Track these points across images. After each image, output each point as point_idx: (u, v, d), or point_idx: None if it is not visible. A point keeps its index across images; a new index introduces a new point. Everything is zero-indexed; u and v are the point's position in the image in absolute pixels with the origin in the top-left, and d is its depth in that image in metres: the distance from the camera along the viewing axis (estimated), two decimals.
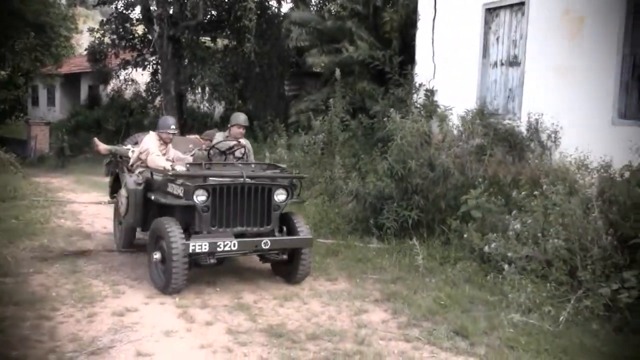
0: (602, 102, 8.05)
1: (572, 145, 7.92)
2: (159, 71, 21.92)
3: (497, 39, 10.05)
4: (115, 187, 8.64)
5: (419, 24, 11.70)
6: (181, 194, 6.48)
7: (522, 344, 5.12)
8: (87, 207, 12.08)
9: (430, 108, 10.77)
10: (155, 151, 7.59)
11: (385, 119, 9.74)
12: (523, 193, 7.34)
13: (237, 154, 7.66)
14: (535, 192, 7.09)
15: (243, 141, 7.86)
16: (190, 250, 6.09)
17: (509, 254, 6.74)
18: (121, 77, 24.62)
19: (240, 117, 7.89)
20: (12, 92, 27.50)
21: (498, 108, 9.90)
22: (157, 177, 7.16)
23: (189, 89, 21.95)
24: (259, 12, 18.27)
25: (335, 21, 15.22)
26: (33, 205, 11.60)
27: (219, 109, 22.97)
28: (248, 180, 6.49)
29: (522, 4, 9.44)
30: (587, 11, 8.39)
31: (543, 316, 5.69)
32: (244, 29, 18.29)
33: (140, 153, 7.77)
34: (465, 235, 7.61)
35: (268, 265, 7.37)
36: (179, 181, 6.59)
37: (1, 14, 20.78)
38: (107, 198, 12.63)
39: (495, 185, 8.56)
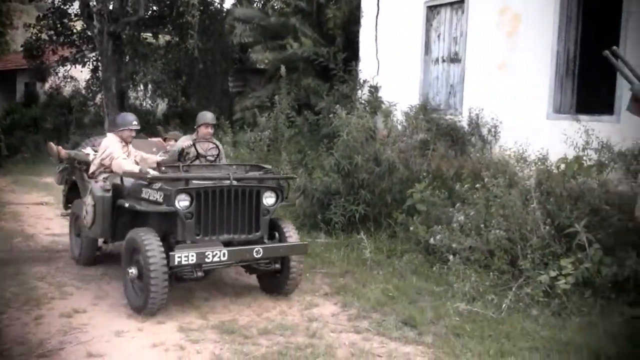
0: (539, 97, 8.38)
1: (511, 139, 8.23)
2: (100, 68, 21.40)
3: (439, 36, 10.29)
4: (70, 197, 7.97)
5: (362, 21, 11.87)
6: (160, 199, 5.84)
7: (467, 331, 5.31)
8: (28, 208, 11.75)
9: (375, 104, 10.95)
10: (120, 154, 7.01)
11: (330, 115, 9.84)
12: (465, 186, 7.56)
13: (209, 156, 7.04)
14: (477, 185, 7.32)
15: (207, 139, 7.20)
16: (176, 262, 5.41)
17: (454, 245, 6.94)
18: (60, 74, 23.93)
19: (208, 116, 7.31)
20: None
21: (440, 104, 10.15)
22: (128, 182, 6.54)
23: (131, 86, 21.54)
24: (201, 7, 18.03)
25: (279, 17, 15.23)
26: None
27: (162, 106, 22.64)
28: (235, 182, 5.91)
29: (462, 1, 9.70)
30: (523, 8, 8.70)
31: (486, 304, 5.90)
32: (186, 25, 18.03)
33: (103, 158, 7.12)
34: (411, 228, 7.78)
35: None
36: (157, 185, 5.98)
37: None
38: (46, 198, 12.43)
39: (438, 179, 8.80)
